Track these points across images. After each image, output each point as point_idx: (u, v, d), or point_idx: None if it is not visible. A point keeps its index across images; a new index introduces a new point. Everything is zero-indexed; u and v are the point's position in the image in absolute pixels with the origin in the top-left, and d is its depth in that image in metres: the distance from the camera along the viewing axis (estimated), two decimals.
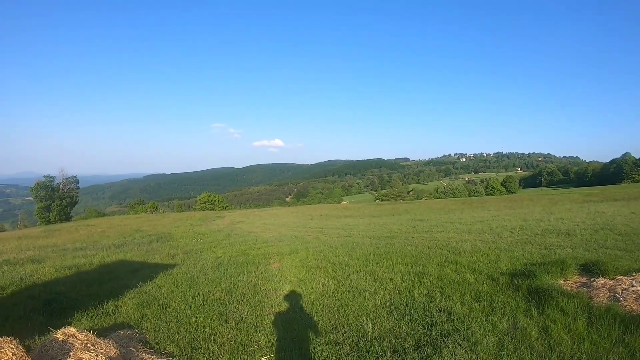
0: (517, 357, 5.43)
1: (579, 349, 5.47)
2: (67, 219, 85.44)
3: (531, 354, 5.48)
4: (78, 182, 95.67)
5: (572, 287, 8.12)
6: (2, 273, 13.28)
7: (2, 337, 4.74)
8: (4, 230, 79.84)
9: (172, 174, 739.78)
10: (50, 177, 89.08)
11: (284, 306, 8.46)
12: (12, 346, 4.58)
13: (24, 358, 4.56)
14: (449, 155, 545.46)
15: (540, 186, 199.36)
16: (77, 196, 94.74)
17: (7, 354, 4.40)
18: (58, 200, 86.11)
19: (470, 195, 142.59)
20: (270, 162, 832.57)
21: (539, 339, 5.85)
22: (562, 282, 8.47)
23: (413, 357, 5.66)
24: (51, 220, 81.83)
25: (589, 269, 9.01)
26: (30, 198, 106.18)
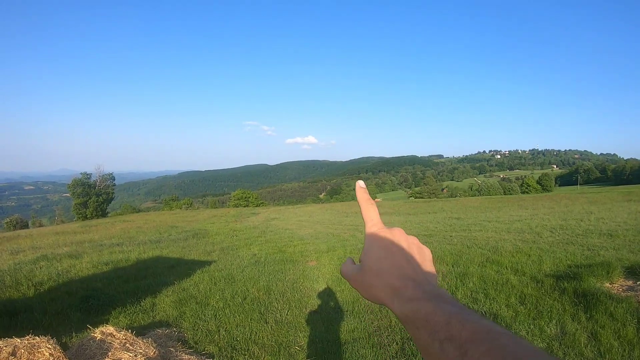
0: None
1: (629, 357, 5.22)
2: (104, 214, 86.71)
3: None
4: (114, 179, 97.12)
5: (618, 290, 7.79)
6: (40, 268, 13.39)
7: (39, 337, 4.68)
8: (42, 226, 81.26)
9: (206, 171, 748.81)
10: (87, 174, 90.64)
11: (323, 306, 8.30)
12: (49, 346, 4.52)
13: (61, 358, 4.48)
14: (484, 152, 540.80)
15: (577, 184, 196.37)
16: (113, 193, 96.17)
17: (44, 354, 4.34)
18: (94, 196, 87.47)
19: (505, 193, 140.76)
20: (303, 159, 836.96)
21: (589, 345, 5.58)
22: (608, 285, 8.13)
23: None
24: (88, 216, 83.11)
25: (635, 272, 8.65)
26: (68, 194, 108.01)
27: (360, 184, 1.08)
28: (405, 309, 0.81)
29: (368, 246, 0.96)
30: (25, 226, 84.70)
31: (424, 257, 0.97)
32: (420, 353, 0.77)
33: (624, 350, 5.38)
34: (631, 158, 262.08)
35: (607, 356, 5.26)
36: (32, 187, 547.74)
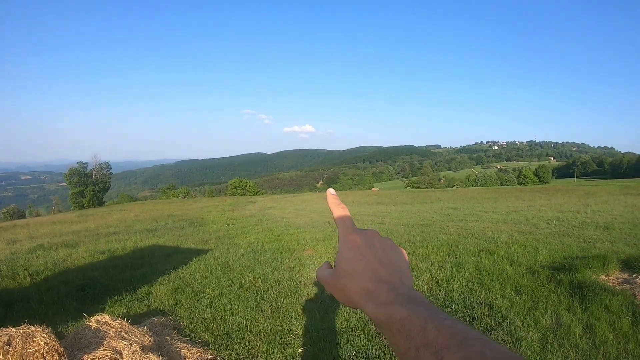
0: (562, 355, 5.17)
1: (624, 349, 5.21)
2: (100, 204, 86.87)
3: (576, 352, 5.22)
4: (111, 168, 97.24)
5: (614, 283, 7.80)
6: (36, 258, 13.38)
7: (34, 326, 4.65)
8: (39, 215, 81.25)
9: (203, 160, 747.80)
10: (84, 163, 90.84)
11: (319, 294, 8.27)
12: (45, 335, 4.49)
13: (56, 347, 4.46)
14: (481, 142, 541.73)
15: (574, 177, 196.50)
16: (109, 182, 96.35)
17: (39, 343, 4.32)
18: (91, 185, 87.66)
19: (502, 184, 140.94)
20: (301, 148, 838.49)
21: (584, 337, 5.58)
22: (603, 277, 8.14)
23: None
24: (84, 206, 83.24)
25: (631, 265, 8.66)
26: (64, 184, 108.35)
27: (331, 191, 1.09)
28: (380, 313, 0.80)
29: (341, 249, 0.95)
30: (22, 216, 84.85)
31: (399, 259, 0.96)
32: (398, 358, 0.76)
33: (619, 342, 5.38)
34: (628, 152, 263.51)
35: (602, 348, 5.26)
36: (29, 177, 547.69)
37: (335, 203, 1.04)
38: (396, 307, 0.78)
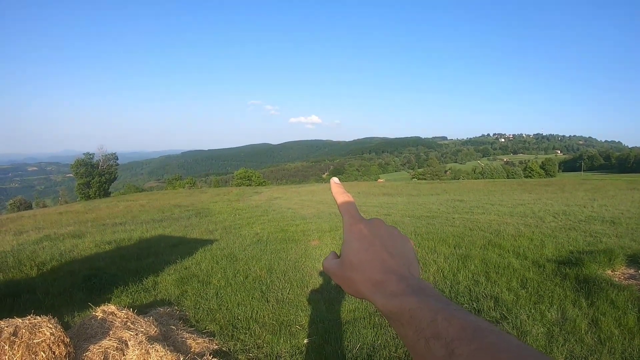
0: (567, 349, 5.16)
1: (629, 345, 5.18)
2: (106, 194, 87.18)
3: (581, 347, 5.19)
4: (117, 159, 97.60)
5: (620, 278, 7.76)
6: (43, 248, 13.38)
7: (40, 317, 4.65)
8: (46, 206, 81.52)
9: (209, 150, 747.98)
10: (90, 154, 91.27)
11: (325, 285, 8.28)
12: (50, 325, 4.49)
13: (62, 338, 4.47)
14: (488, 135, 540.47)
15: (580, 170, 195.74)
16: (116, 172, 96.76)
17: (45, 334, 4.33)
18: (97, 176, 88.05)
19: (508, 177, 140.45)
20: (307, 139, 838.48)
21: (589, 332, 5.55)
22: (609, 272, 8.09)
23: None
24: (91, 196, 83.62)
25: (637, 261, 8.62)
26: (71, 175, 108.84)
27: (335, 180, 1.08)
28: (389, 304, 0.78)
29: (347, 239, 0.93)
30: (29, 207, 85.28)
31: (407, 248, 0.95)
32: (408, 350, 0.75)
33: (624, 338, 5.35)
34: (635, 146, 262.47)
35: (608, 344, 5.23)
36: (35, 168, 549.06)
37: (339, 192, 1.03)
38: (406, 299, 0.76)
